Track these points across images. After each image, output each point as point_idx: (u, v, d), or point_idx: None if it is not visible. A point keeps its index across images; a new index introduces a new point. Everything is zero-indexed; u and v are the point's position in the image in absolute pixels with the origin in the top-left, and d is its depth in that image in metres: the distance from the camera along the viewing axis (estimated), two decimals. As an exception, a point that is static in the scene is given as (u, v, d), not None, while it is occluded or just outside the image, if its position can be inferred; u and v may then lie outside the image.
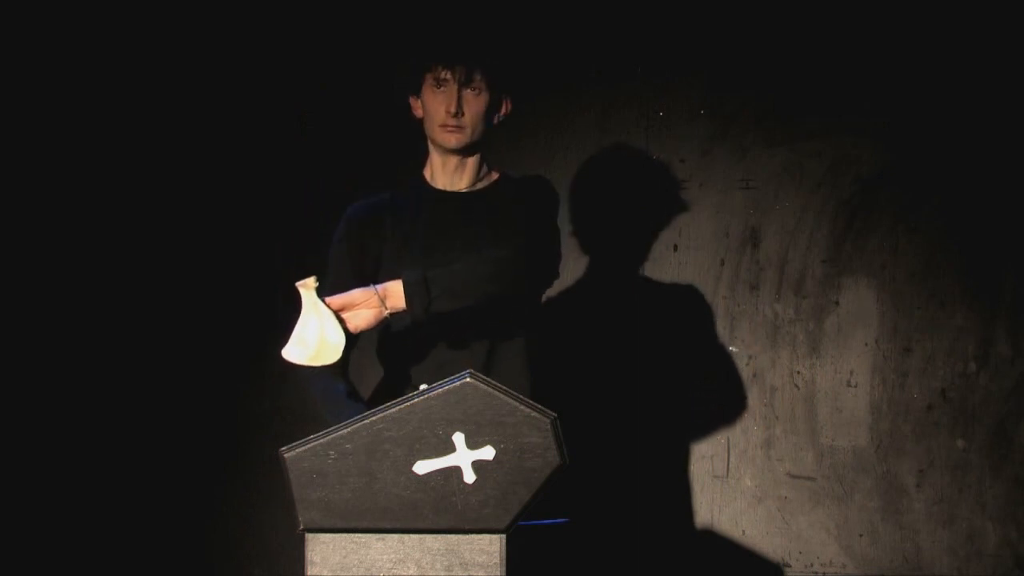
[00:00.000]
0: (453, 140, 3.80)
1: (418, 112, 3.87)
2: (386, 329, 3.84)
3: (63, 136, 4.99)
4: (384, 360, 3.88)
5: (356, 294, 3.57)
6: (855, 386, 4.60)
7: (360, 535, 3.14)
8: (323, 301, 3.50)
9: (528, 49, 4.73)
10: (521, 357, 3.81)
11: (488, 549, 3.11)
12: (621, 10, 4.74)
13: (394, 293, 3.55)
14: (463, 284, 3.58)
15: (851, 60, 4.61)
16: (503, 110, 3.85)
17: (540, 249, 3.73)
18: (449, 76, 3.77)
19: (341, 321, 3.52)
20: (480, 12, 4.69)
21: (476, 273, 3.56)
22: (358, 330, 3.56)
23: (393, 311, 3.55)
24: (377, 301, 3.56)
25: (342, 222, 3.90)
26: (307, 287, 3.49)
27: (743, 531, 4.64)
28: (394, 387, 3.79)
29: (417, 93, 3.85)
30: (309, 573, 3.15)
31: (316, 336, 3.51)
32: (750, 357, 4.66)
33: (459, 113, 3.77)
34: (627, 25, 4.74)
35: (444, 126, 3.79)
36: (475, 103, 3.79)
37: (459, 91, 3.77)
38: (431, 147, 3.88)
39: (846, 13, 4.60)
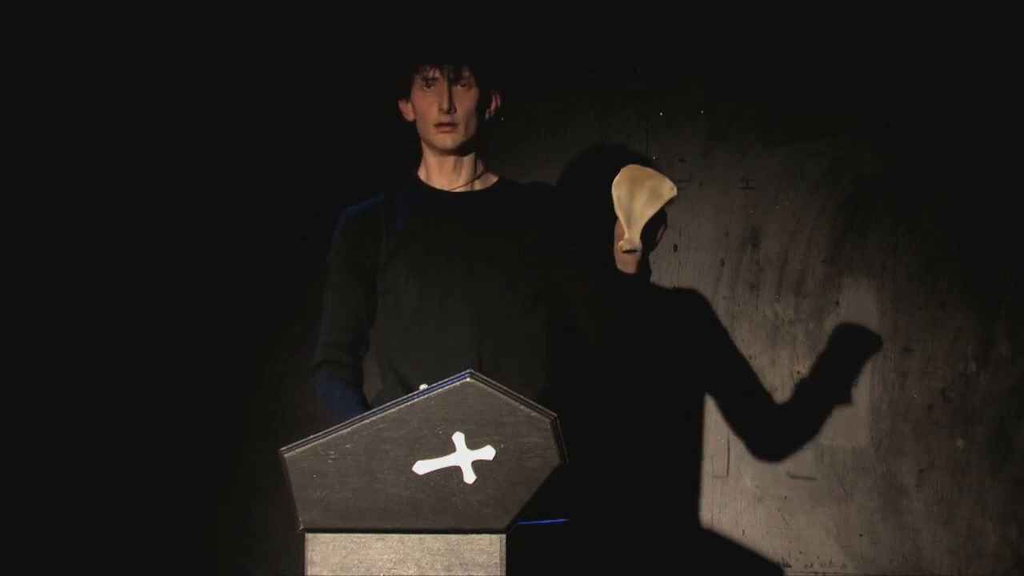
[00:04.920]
0: (448, 140, 3.78)
1: (409, 116, 3.85)
2: (385, 329, 3.84)
3: (63, 137, 4.99)
4: (384, 362, 3.88)
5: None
6: (855, 386, 4.60)
7: (360, 535, 3.14)
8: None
9: (527, 48, 4.72)
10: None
11: (488, 549, 3.11)
12: (621, 10, 4.74)
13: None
14: None
15: (851, 60, 4.61)
16: (493, 105, 3.84)
17: None
18: (438, 74, 3.74)
19: None
20: (478, 12, 4.68)
21: None
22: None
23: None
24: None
25: (339, 226, 3.89)
26: None
27: (743, 531, 4.64)
28: (395, 389, 3.80)
29: (406, 97, 3.83)
30: (309, 573, 3.15)
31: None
32: (750, 357, 4.66)
33: (451, 109, 3.75)
34: (627, 25, 4.74)
35: (438, 125, 3.77)
36: (466, 99, 3.77)
37: (449, 88, 3.75)
38: (426, 148, 3.87)
39: (846, 14, 4.60)
